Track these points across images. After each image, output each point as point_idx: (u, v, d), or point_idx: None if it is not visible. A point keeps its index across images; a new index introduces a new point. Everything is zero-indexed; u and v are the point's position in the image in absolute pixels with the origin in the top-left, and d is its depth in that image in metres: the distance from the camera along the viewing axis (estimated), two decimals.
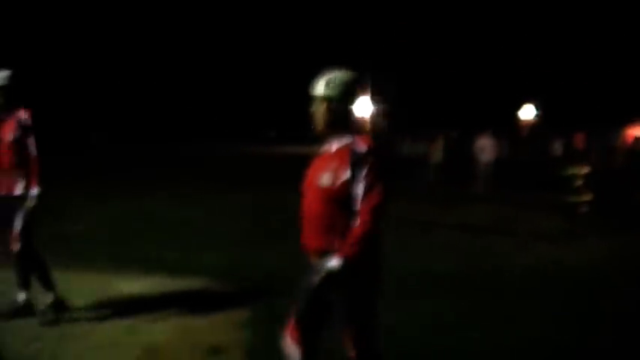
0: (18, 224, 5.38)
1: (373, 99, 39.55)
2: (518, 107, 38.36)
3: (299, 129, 65.28)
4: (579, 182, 11.65)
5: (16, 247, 5.41)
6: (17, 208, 5.39)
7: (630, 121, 21.71)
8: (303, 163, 3.03)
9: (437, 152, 20.75)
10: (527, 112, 38.40)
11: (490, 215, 13.50)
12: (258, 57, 64.94)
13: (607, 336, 5.66)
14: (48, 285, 5.67)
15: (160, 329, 5.42)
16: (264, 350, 4.90)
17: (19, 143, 5.41)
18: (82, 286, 6.53)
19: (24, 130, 5.44)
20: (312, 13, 62.62)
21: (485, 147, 18.82)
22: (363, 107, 39.95)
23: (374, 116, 41.41)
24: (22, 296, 5.62)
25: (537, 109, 37.76)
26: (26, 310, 5.60)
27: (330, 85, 3.36)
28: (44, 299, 5.67)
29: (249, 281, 6.92)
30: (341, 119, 3.40)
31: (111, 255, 8.25)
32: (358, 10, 56.76)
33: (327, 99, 3.37)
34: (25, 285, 5.62)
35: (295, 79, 59.81)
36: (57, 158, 23.42)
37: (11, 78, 5.51)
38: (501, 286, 7.37)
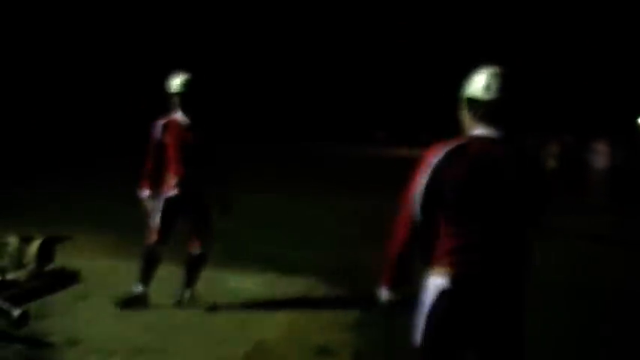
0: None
1: None
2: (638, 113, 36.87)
3: (409, 131, 65.07)
4: None
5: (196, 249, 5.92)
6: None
7: None
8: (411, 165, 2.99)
9: (551, 158, 20.20)
10: None
11: (606, 225, 13.02)
12: (369, 56, 64.64)
13: None
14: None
15: (270, 326, 5.55)
16: (372, 353, 4.94)
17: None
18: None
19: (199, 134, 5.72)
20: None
21: (601, 153, 18.20)
22: None
23: None
24: (138, 288, 5.86)
25: None
26: (140, 301, 5.84)
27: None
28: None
29: (357, 283, 6.96)
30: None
31: (224, 250, 8.47)
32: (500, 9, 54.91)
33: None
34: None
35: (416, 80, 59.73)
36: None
37: (190, 83, 5.68)
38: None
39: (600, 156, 18.11)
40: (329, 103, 66.78)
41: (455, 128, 3.12)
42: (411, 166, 2.96)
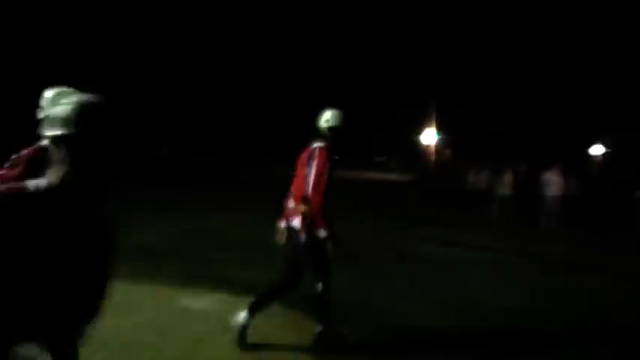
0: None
1: (438, 129, 39.51)
2: (590, 144, 37.79)
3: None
4: None
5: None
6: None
7: None
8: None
9: (504, 185, 20.50)
10: (597, 149, 37.84)
11: (559, 251, 13.35)
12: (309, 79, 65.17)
13: None
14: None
15: (223, 345, 5.55)
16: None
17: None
18: (148, 299, 6.72)
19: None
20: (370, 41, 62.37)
21: (553, 182, 18.56)
22: (428, 137, 39.97)
23: (438, 146, 41.29)
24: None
25: (607, 146, 37.20)
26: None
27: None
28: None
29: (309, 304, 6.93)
30: None
31: (180, 269, 8.45)
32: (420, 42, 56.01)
33: None
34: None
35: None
36: (130, 170, 24.04)
37: (343, 119, 5.76)
38: (581, 327, 7.31)
39: (552, 184, 18.47)
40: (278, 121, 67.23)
41: None
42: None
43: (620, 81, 39.19)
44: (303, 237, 5.43)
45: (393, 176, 51.06)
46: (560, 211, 18.56)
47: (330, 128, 5.70)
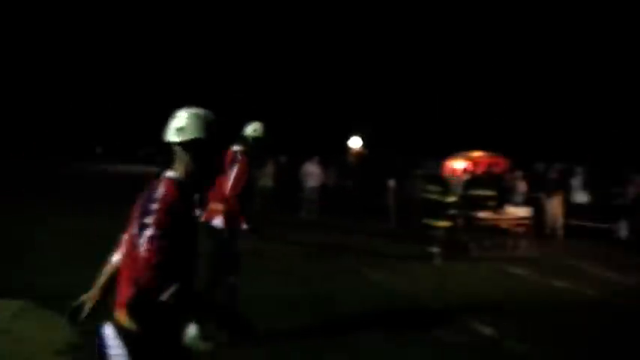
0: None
1: None
2: (349, 135, 39.61)
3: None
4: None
5: None
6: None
7: (450, 153, 22.92)
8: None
9: (266, 177, 21.07)
10: (356, 141, 39.71)
11: (318, 240, 13.99)
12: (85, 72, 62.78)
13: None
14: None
15: None
16: None
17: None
18: None
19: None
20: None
21: (312, 173, 19.40)
22: None
23: None
24: None
25: (364, 138, 39.18)
26: None
27: None
28: None
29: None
30: None
31: None
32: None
33: None
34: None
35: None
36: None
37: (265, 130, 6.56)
38: (339, 309, 7.77)
39: (312, 175, 19.32)
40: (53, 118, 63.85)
41: None
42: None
43: (373, 76, 41.71)
44: (225, 233, 6.14)
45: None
46: (319, 201, 19.47)
47: (255, 138, 6.52)
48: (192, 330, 5.86)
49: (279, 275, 9.56)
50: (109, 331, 2.69)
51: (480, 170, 15.42)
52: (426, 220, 12.94)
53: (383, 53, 43.09)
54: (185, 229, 2.75)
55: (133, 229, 2.67)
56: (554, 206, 16.45)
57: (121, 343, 2.65)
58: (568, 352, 6.69)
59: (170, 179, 2.86)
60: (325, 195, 20.06)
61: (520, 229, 14.51)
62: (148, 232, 2.58)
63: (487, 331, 7.27)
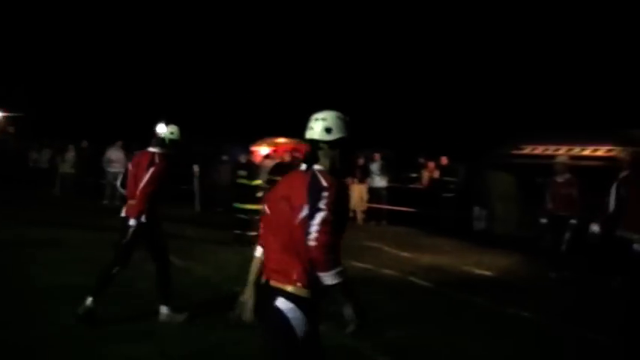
0: None
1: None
2: (156, 121, 38.79)
3: None
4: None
5: None
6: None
7: (255, 139, 23.11)
8: None
9: (66, 163, 20.21)
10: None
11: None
12: None
13: None
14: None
15: None
16: None
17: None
18: None
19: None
20: None
21: (115, 159, 18.83)
22: None
23: (1, 122, 38.68)
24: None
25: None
26: None
27: None
28: None
29: None
30: None
31: None
32: None
33: None
34: None
35: None
36: None
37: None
38: (145, 297, 7.67)
39: (114, 161, 18.71)
40: None
41: None
42: None
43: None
44: (134, 226, 6.50)
45: None
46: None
47: (172, 140, 7.13)
48: (163, 309, 6.80)
49: (82, 264, 9.19)
50: (282, 305, 3.28)
51: (284, 156, 15.67)
52: (235, 204, 12.98)
53: (189, 39, 42.62)
54: (340, 214, 3.32)
55: (298, 215, 3.26)
56: (361, 192, 17.16)
57: (298, 311, 3.27)
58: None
59: (323, 171, 3.43)
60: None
61: None
62: (322, 215, 3.16)
63: None
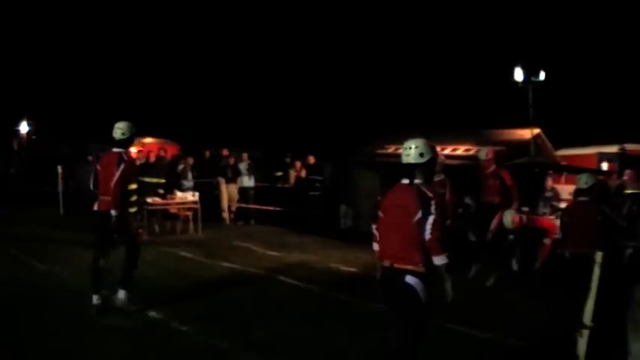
0: None
1: None
2: (18, 121, 37.01)
3: None
4: None
5: None
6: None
7: None
8: None
9: None
10: (24, 127, 37.39)
11: None
12: None
13: None
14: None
15: None
16: None
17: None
18: None
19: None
20: None
21: None
22: None
23: None
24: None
25: (33, 124, 36.96)
26: None
27: None
28: None
29: None
30: None
31: None
32: None
33: None
34: None
35: None
36: None
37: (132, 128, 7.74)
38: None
39: None
40: None
41: None
42: None
43: None
44: (114, 219, 7.32)
45: None
46: None
47: (124, 140, 7.64)
48: (121, 294, 7.49)
49: None
50: (410, 280, 4.54)
51: (150, 156, 15.36)
52: None
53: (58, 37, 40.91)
54: (441, 214, 4.62)
55: (414, 217, 4.53)
56: (231, 191, 17.07)
57: (421, 284, 4.54)
58: (230, 328, 7.02)
59: (423, 185, 4.69)
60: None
61: (189, 214, 14.82)
62: (432, 217, 4.50)
63: (153, 313, 7.38)
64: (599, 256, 5.24)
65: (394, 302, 4.71)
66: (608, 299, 5.53)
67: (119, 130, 7.63)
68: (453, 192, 10.20)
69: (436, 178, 10.83)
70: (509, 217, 9.68)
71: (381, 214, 4.88)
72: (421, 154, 4.69)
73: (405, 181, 4.74)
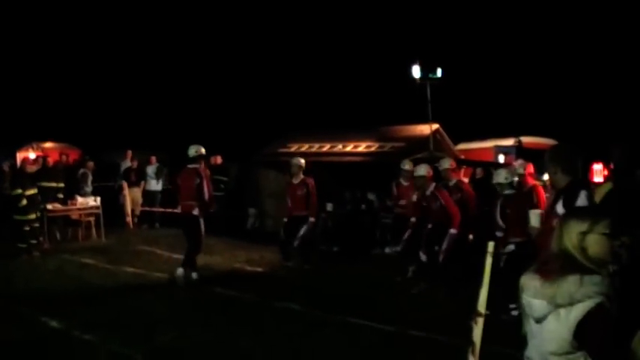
0: None
1: None
2: None
3: None
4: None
5: None
6: None
7: (20, 143, 21.65)
8: None
9: None
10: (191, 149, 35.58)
11: None
12: None
13: None
14: None
15: None
16: None
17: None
18: None
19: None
20: None
21: None
22: None
23: None
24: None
25: None
26: None
27: None
28: None
29: None
30: None
31: None
32: None
33: None
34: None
35: None
36: None
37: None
38: None
39: None
40: None
41: None
42: None
43: None
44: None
45: None
46: None
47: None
48: (180, 270, 9.39)
49: None
50: None
51: (49, 160, 14.95)
52: (16, 216, 12.16)
53: None
54: None
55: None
56: (135, 195, 16.77)
57: None
58: (134, 335, 6.99)
59: None
60: None
61: (91, 219, 14.52)
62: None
63: (55, 323, 7.27)
64: (490, 245, 5.46)
65: None
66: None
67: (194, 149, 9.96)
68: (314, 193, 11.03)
69: (295, 180, 11.19)
70: (535, 217, 9.38)
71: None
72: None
73: None
